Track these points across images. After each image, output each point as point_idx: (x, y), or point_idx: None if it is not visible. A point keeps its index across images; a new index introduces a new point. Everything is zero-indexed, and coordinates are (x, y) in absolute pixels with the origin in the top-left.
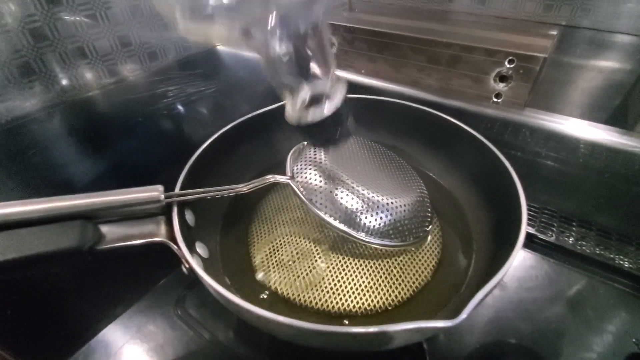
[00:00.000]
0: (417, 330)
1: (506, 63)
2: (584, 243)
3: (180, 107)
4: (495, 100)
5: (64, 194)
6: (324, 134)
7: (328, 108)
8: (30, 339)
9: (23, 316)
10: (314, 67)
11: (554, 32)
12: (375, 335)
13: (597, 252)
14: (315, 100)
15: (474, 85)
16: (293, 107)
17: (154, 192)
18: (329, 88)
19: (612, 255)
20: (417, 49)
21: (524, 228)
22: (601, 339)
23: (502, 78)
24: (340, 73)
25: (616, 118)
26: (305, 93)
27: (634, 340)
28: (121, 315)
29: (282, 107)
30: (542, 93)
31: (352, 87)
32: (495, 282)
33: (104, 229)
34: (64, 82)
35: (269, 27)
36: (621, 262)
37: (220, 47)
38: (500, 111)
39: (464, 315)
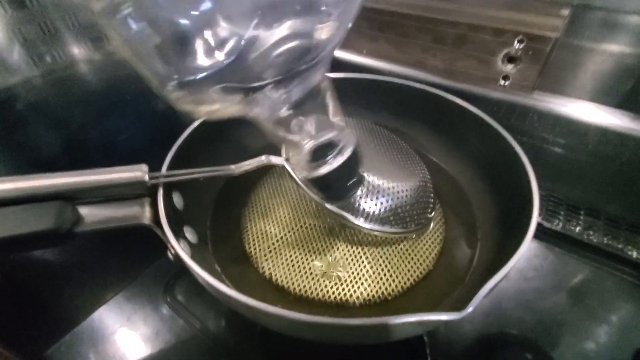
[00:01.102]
0: (419, 322)
1: (515, 43)
2: (591, 232)
3: None
4: (502, 82)
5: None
6: (333, 187)
7: (337, 160)
8: (16, 324)
9: (8, 300)
10: (320, 121)
11: (565, 12)
12: (374, 328)
13: (605, 242)
14: (323, 153)
15: (481, 67)
16: (299, 162)
17: (138, 172)
18: (336, 139)
19: (620, 246)
20: (421, 28)
21: (535, 217)
22: (608, 331)
23: (511, 59)
24: (340, 53)
25: (628, 102)
26: (311, 147)
27: None
28: (109, 302)
29: None
30: (551, 76)
31: (353, 67)
32: (504, 274)
33: (84, 210)
34: (47, 57)
35: (272, 91)
36: (630, 252)
37: None
38: (507, 94)
39: (470, 308)
